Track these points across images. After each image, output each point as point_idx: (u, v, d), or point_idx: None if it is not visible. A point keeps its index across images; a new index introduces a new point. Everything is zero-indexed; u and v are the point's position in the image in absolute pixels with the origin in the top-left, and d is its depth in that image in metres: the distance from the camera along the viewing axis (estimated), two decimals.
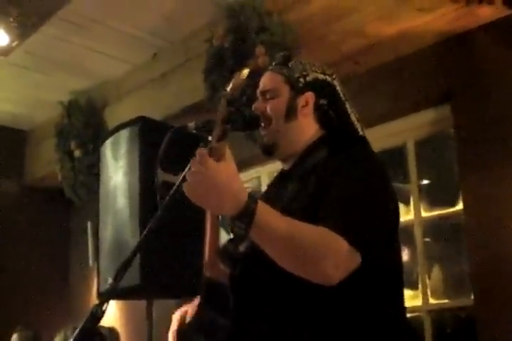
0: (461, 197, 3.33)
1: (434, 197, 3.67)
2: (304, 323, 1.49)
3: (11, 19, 3.84)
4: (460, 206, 3.36)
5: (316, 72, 1.80)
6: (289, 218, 1.40)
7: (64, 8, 3.91)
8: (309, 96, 1.76)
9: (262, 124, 1.74)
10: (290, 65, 1.80)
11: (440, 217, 3.59)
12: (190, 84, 4.06)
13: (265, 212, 1.36)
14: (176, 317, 1.70)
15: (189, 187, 1.33)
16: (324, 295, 1.45)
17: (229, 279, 1.64)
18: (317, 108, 1.78)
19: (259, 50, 3.47)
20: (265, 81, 1.81)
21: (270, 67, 1.85)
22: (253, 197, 1.35)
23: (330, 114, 1.78)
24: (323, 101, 1.78)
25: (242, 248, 1.61)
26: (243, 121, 1.65)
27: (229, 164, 1.34)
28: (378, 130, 3.63)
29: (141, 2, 3.95)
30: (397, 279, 1.63)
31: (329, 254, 1.38)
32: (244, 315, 1.57)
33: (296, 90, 1.76)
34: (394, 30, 3.39)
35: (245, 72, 1.52)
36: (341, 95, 1.80)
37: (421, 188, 3.69)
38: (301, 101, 1.76)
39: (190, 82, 4.06)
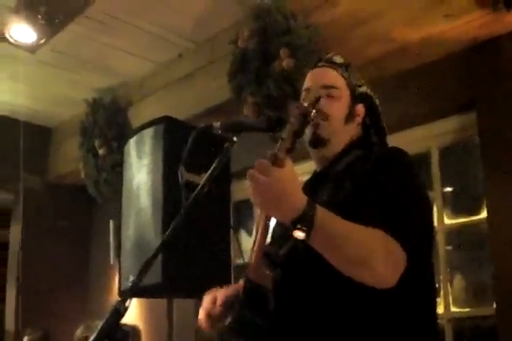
0: (484, 206, 3.31)
1: (458, 204, 3.64)
2: (346, 326, 1.50)
3: (39, 16, 3.87)
4: (484, 214, 3.33)
5: (364, 85, 1.87)
6: (345, 221, 1.41)
7: (91, 6, 3.94)
8: (361, 108, 1.83)
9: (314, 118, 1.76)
10: (348, 71, 1.85)
11: (463, 225, 3.56)
12: (215, 85, 4.07)
13: (324, 216, 1.38)
14: (207, 298, 1.70)
15: (256, 194, 1.35)
16: (366, 298, 1.46)
17: (272, 282, 1.64)
18: (362, 122, 1.85)
19: (284, 52, 3.48)
20: (329, 76, 1.83)
21: (329, 64, 1.87)
22: (311, 202, 1.37)
23: (371, 131, 1.86)
24: (367, 119, 1.85)
25: (283, 250, 1.62)
26: (269, 121, 1.66)
27: (290, 170, 1.36)
28: (402, 136, 3.60)
29: (168, 2, 3.97)
30: (432, 283, 1.64)
31: (388, 257, 1.40)
32: (286, 318, 1.58)
33: (355, 98, 1.82)
34: (420, 35, 3.37)
35: (318, 88, 1.55)
36: (381, 114, 1.87)
37: (444, 196, 3.65)
38: (356, 109, 1.82)
39: (215, 83, 4.07)
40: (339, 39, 3.52)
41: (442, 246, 3.54)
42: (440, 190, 3.64)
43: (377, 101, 1.88)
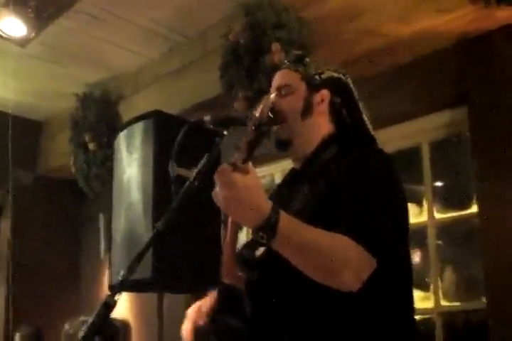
0: (475, 200, 3.32)
1: (448, 199, 3.65)
2: (320, 327, 1.50)
3: (29, 10, 3.85)
4: (474, 209, 3.35)
5: (329, 70, 1.82)
6: (310, 227, 1.42)
7: (81, 0, 3.93)
8: (325, 93, 1.78)
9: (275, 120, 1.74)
10: (305, 63, 1.81)
11: (453, 220, 3.57)
12: (206, 80, 4.06)
13: (287, 224, 1.37)
14: (190, 314, 1.70)
15: (219, 199, 1.35)
16: (340, 300, 1.46)
17: (245, 284, 1.64)
18: (331, 105, 1.79)
19: (275, 47, 3.47)
20: (281, 77, 1.82)
21: (284, 65, 1.86)
22: (276, 209, 1.36)
23: (343, 111, 1.80)
24: (337, 99, 1.79)
25: (257, 253, 1.62)
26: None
27: (253, 178, 1.35)
28: (393, 131, 3.62)
29: None
30: (407, 282, 1.64)
31: (349, 263, 1.41)
32: (261, 320, 1.58)
33: (312, 87, 1.77)
34: (411, 30, 3.37)
35: (272, 96, 1.53)
36: (355, 93, 1.82)
37: (435, 190, 3.66)
38: (316, 98, 1.77)
39: (206, 77, 4.06)
40: (331, 34, 3.52)
41: (433, 241, 3.56)
42: (431, 185, 3.65)
43: (348, 80, 1.83)
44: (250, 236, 1.54)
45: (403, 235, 1.60)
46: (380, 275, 1.45)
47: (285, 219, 1.37)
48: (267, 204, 1.36)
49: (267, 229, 1.35)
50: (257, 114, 1.43)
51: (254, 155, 1.38)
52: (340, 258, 1.40)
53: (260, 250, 1.61)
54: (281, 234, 1.35)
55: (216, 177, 1.33)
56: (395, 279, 1.57)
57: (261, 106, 1.45)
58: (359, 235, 1.42)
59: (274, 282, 1.58)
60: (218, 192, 1.34)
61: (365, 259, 1.42)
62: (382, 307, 1.53)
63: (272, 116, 1.46)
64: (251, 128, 1.41)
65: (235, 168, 1.34)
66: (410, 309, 1.63)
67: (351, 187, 1.52)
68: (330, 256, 1.40)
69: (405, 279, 1.63)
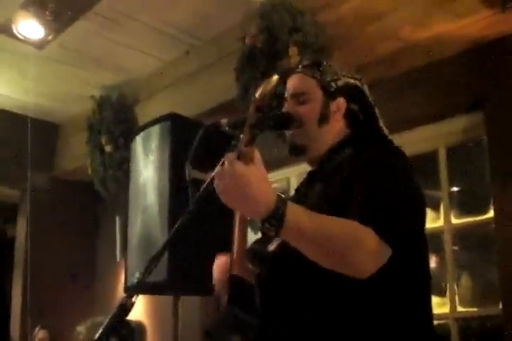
0: (491, 205, 3.30)
1: (465, 204, 3.63)
2: (332, 320, 1.49)
3: (47, 13, 3.88)
4: (490, 214, 3.33)
5: (345, 76, 1.82)
6: (319, 214, 1.40)
7: (98, 2, 3.95)
8: (341, 101, 1.78)
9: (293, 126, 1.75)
10: (321, 69, 1.80)
11: (470, 225, 3.55)
12: (222, 83, 4.07)
13: (295, 213, 1.35)
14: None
15: (219, 189, 1.32)
16: (353, 293, 1.46)
17: (256, 278, 1.64)
18: (348, 113, 1.80)
19: (292, 50, 3.47)
20: (297, 83, 1.81)
21: (299, 70, 1.85)
22: (282, 199, 1.34)
23: (360, 118, 1.81)
24: (353, 106, 1.80)
25: (270, 247, 1.62)
26: (276, 119, 1.67)
27: (258, 167, 1.33)
28: (410, 135, 3.60)
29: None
30: (424, 275, 1.62)
31: (360, 248, 1.38)
32: (272, 313, 1.58)
33: (329, 95, 1.78)
34: (428, 34, 3.37)
35: (275, 78, 1.52)
36: (370, 100, 1.82)
37: (451, 195, 3.65)
38: (333, 106, 1.78)
39: (222, 81, 4.07)
40: (347, 37, 3.52)
41: (449, 246, 3.54)
42: (447, 190, 3.64)
43: (364, 87, 1.82)
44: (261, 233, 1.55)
45: (420, 228, 1.59)
46: (396, 269, 1.44)
47: (293, 208, 1.35)
48: (274, 194, 1.33)
49: (274, 219, 1.32)
50: (258, 96, 1.42)
51: (257, 137, 1.36)
52: (352, 242, 1.38)
53: (273, 245, 1.61)
54: (290, 223, 1.33)
55: (219, 168, 1.31)
56: (411, 274, 1.55)
57: (261, 88, 1.44)
58: (372, 222, 1.40)
59: (287, 276, 1.58)
60: (221, 183, 1.31)
61: (378, 245, 1.40)
62: (396, 301, 1.51)
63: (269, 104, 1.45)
64: (253, 111, 1.40)
65: (239, 155, 1.31)
66: (426, 304, 1.60)
67: (366, 179, 1.52)
68: (341, 240, 1.38)
69: (422, 275, 1.61)
